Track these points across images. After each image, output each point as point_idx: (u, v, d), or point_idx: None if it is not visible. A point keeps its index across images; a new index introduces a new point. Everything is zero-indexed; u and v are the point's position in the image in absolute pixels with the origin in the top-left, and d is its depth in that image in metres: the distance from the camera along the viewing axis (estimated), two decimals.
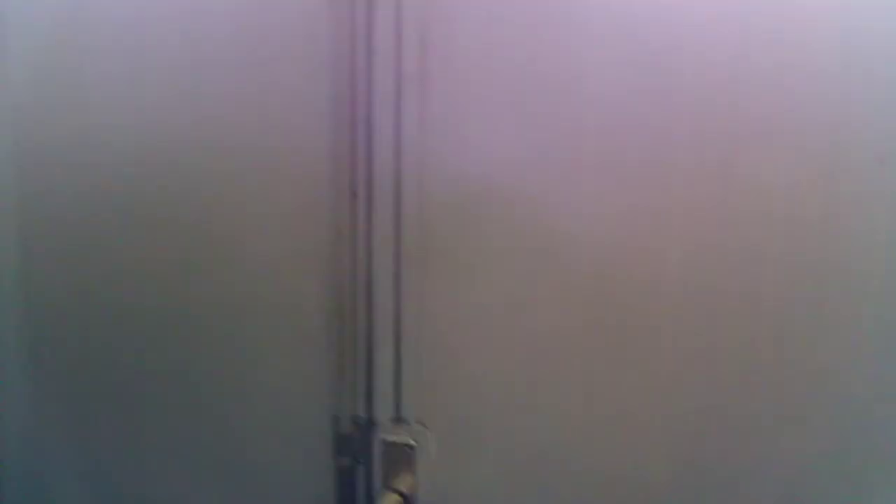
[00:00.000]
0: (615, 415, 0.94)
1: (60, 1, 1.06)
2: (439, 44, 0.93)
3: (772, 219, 0.86)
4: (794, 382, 0.88)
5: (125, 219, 1.07)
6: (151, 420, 1.12)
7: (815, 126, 0.83)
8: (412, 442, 1.02)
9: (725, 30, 0.85)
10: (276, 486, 1.09)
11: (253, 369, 1.07)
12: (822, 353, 0.87)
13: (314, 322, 1.03)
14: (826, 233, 0.85)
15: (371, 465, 1.04)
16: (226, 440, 1.10)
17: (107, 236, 1.08)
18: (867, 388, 0.86)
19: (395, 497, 1.01)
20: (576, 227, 0.92)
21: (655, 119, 0.88)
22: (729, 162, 0.86)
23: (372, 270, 1.00)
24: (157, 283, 1.08)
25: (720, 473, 0.92)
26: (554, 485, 0.98)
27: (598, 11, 0.88)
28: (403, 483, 1.02)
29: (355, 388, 1.03)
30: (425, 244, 0.97)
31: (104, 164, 1.07)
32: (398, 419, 1.03)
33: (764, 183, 0.85)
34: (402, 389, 1.02)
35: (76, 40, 1.06)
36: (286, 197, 1.02)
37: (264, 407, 1.08)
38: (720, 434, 0.91)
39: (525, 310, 0.96)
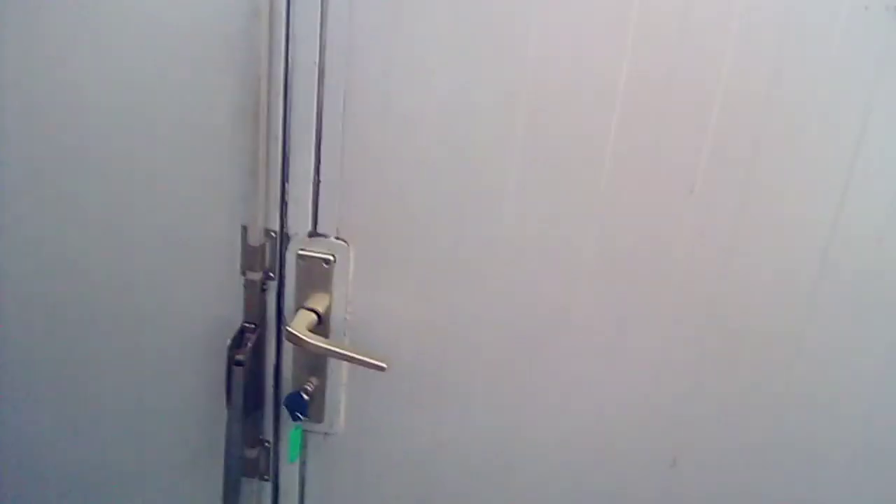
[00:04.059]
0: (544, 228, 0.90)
1: None
2: None
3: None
4: None
5: None
6: None
7: None
8: (330, 257, 0.93)
9: None
10: (178, 302, 1.01)
11: (152, 169, 0.96)
12: None
13: (223, 119, 0.92)
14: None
15: (284, 282, 0.96)
16: (124, 246, 1.00)
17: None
18: None
19: (310, 316, 0.95)
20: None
21: None
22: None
23: (291, 59, 0.88)
24: None
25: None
26: (478, 302, 0.94)
27: None
28: (319, 302, 0.95)
29: (268, 196, 0.93)
30: (354, 28, 0.86)
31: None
32: (315, 232, 0.94)
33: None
34: (320, 199, 0.93)
35: None
36: None
37: (166, 214, 0.98)
38: None
39: (459, 116, 0.88)
